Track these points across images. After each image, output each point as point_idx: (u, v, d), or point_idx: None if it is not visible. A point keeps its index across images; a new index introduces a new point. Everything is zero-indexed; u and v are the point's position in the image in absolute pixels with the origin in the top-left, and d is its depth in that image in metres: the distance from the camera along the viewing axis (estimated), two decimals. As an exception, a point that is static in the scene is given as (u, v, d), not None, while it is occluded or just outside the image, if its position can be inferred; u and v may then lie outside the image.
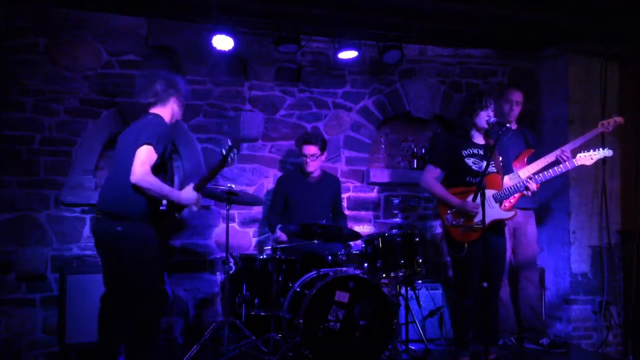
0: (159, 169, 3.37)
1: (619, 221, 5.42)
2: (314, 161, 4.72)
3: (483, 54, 5.72)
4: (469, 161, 3.98)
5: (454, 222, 3.97)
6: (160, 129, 3.35)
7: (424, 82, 5.58)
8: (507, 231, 4.66)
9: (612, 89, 5.44)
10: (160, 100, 3.53)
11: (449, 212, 3.99)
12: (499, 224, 4.02)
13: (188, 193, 3.46)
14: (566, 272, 5.29)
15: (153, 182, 3.24)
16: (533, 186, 4.00)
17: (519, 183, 4.03)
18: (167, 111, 3.56)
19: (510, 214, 4.04)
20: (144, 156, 3.22)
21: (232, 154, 3.48)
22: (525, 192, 4.05)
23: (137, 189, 3.23)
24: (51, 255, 4.58)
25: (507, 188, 4.01)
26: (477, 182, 3.63)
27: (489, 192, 3.92)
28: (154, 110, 3.53)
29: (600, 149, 4.32)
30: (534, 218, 4.96)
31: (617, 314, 5.30)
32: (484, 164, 3.91)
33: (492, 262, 3.74)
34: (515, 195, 4.11)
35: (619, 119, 4.58)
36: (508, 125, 3.76)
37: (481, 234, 3.80)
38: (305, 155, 4.71)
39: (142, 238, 3.31)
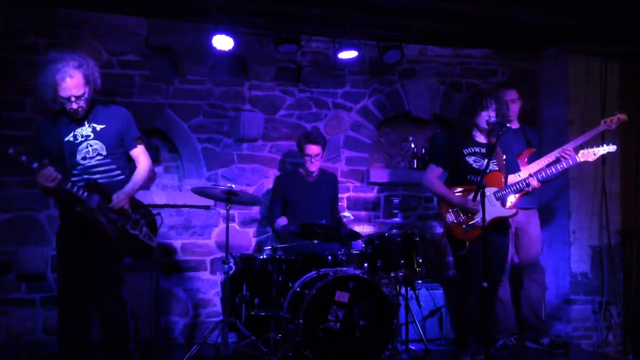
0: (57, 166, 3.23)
1: (619, 221, 5.42)
2: (318, 160, 4.73)
3: (483, 54, 5.72)
4: (470, 159, 3.99)
5: (455, 220, 3.97)
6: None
7: (424, 82, 5.58)
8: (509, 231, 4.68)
9: (612, 89, 5.44)
10: None
11: (450, 210, 4.00)
12: (501, 223, 4.01)
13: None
14: (566, 272, 5.29)
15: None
16: (534, 182, 4.01)
17: (521, 181, 4.05)
18: None
19: (512, 211, 4.03)
20: None
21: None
22: (526, 189, 4.06)
23: None
24: (51, 255, 4.56)
25: (509, 186, 4.02)
26: (478, 181, 3.63)
27: (490, 190, 3.92)
28: None
29: (605, 145, 4.28)
30: (537, 217, 4.92)
31: (617, 314, 5.30)
32: (486, 161, 3.93)
33: (492, 261, 3.73)
34: (516, 194, 4.11)
35: (622, 116, 4.51)
36: (508, 125, 3.76)
37: (481, 233, 3.81)
38: (309, 155, 4.69)
39: (57, 235, 3.46)
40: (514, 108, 4.83)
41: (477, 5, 4.58)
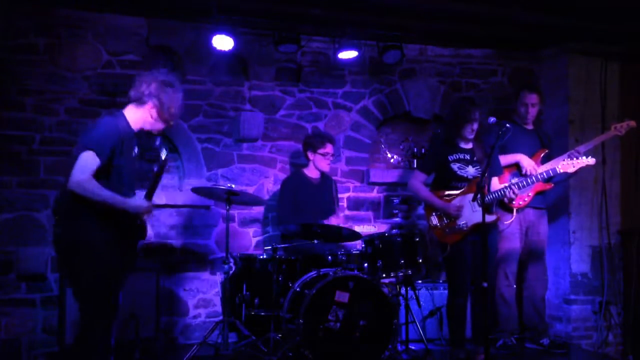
0: (102, 173, 3.08)
1: (619, 221, 5.42)
2: (330, 160, 4.81)
3: (483, 54, 5.72)
4: (455, 166, 4.10)
5: (438, 224, 4.12)
6: (103, 131, 3.09)
7: (424, 82, 5.58)
8: (518, 230, 4.71)
9: (612, 89, 5.44)
10: (138, 101, 3.23)
11: (433, 214, 4.16)
12: (485, 228, 4.01)
13: (138, 201, 3.21)
14: (566, 272, 5.29)
15: (89, 189, 2.99)
16: (510, 193, 4.03)
17: (499, 190, 4.06)
18: (137, 114, 3.25)
19: (493, 218, 4.08)
20: (84, 162, 3.00)
21: (166, 164, 3.41)
22: (504, 198, 4.11)
23: (74, 194, 3.02)
24: (51, 255, 4.57)
25: (493, 192, 4.04)
26: (477, 183, 3.66)
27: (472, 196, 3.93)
28: (127, 108, 3.28)
29: (583, 157, 4.32)
30: (546, 218, 4.91)
31: (617, 314, 5.30)
32: (469, 168, 4.08)
33: (477, 263, 3.89)
34: (510, 196, 4.10)
35: (632, 123, 4.56)
36: (508, 125, 3.75)
37: (463, 236, 4.01)
38: (327, 154, 4.76)
39: (82, 241, 3.08)
40: (532, 111, 4.81)
41: (477, 5, 4.57)
